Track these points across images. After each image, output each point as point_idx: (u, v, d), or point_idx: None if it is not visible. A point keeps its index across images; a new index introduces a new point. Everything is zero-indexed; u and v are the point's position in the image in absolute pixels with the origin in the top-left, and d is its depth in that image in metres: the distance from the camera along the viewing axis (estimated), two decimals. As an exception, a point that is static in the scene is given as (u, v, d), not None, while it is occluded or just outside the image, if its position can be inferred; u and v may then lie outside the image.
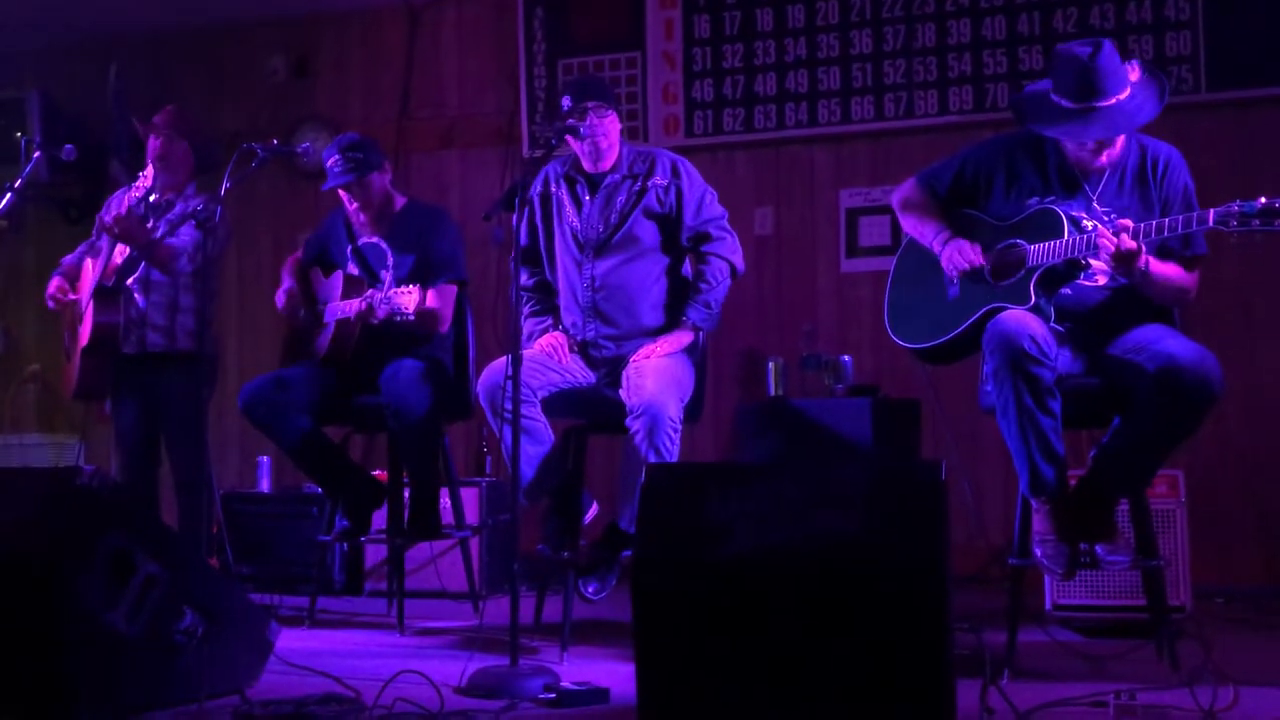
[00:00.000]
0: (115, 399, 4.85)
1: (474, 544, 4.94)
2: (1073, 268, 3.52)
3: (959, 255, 3.62)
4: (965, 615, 3.70)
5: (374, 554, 5.36)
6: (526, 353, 4.06)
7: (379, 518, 4.64)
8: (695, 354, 4.18)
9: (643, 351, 4.07)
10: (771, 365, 5.06)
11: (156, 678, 3.09)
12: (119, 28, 6.76)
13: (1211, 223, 3.26)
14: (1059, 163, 3.61)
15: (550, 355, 4.14)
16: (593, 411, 4.16)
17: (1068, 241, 3.45)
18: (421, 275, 4.48)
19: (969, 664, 3.10)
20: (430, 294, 4.41)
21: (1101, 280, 3.53)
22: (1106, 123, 3.45)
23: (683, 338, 4.14)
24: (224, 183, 4.49)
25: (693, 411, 4.11)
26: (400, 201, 4.70)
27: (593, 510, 4.23)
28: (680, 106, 6.00)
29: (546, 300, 4.37)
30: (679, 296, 4.23)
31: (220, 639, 3.19)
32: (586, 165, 4.25)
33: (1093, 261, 3.49)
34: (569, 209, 4.27)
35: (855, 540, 2.58)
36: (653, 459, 3.78)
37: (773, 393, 5.03)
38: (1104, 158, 3.53)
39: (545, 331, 4.26)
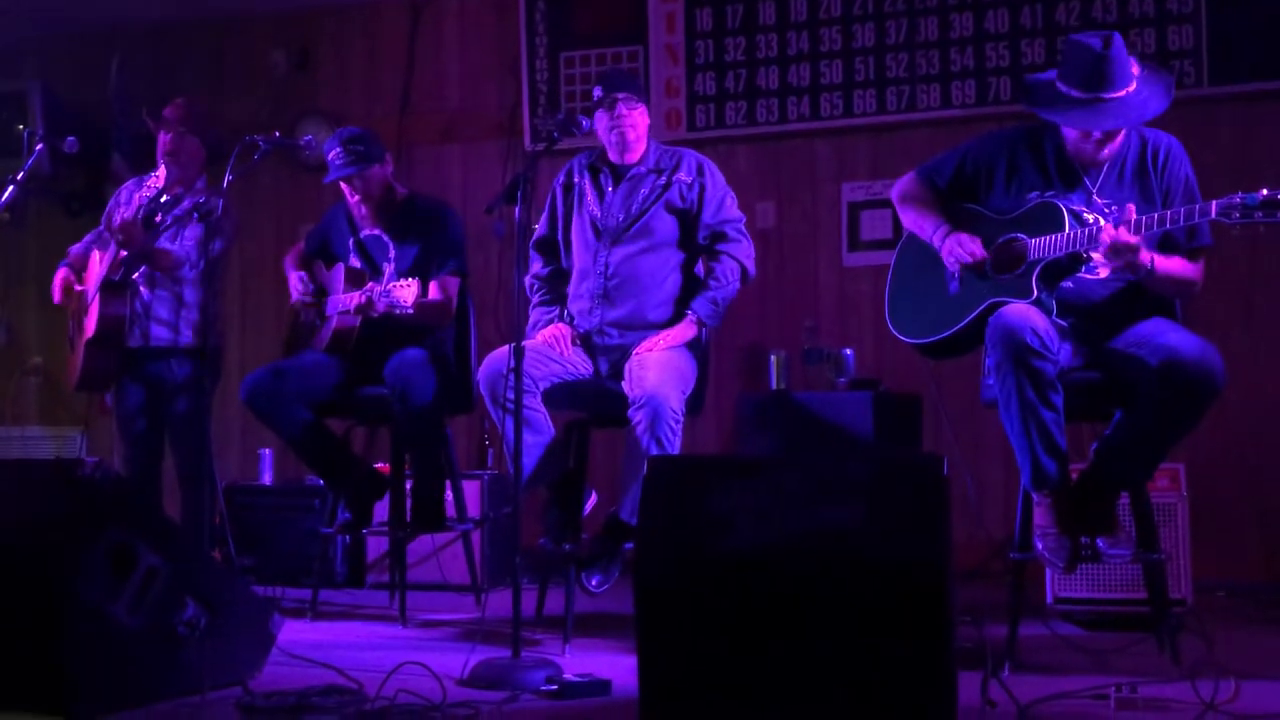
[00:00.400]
0: (119, 391, 4.85)
1: (476, 537, 4.94)
2: (1074, 261, 3.51)
3: (960, 248, 3.62)
4: (966, 608, 3.71)
5: (376, 546, 5.36)
6: (529, 343, 4.06)
7: (381, 510, 4.65)
8: (698, 348, 4.18)
9: (645, 344, 4.08)
10: (773, 359, 5.06)
11: (159, 669, 3.09)
12: (120, 20, 6.75)
13: (1214, 214, 3.26)
14: (1059, 157, 3.61)
15: (552, 346, 4.15)
16: (595, 404, 4.16)
17: (1069, 235, 3.45)
18: (423, 268, 4.49)
19: (970, 657, 3.11)
20: (433, 286, 4.42)
21: (1104, 273, 3.53)
22: (1115, 114, 3.45)
23: (686, 331, 4.14)
24: (226, 175, 4.50)
25: (694, 404, 4.12)
26: (402, 194, 4.70)
27: (592, 500, 4.24)
28: (682, 100, 5.99)
29: (557, 290, 4.38)
30: (689, 294, 4.24)
31: (222, 631, 3.20)
32: (613, 156, 4.28)
33: (1094, 255, 3.48)
34: (590, 197, 4.29)
35: (857, 533, 2.59)
36: (654, 450, 3.79)
37: (774, 386, 5.04)
38: (1105, 151, 3.53)
39: (551, 322, 4.27)
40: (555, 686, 3.19)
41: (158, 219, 4.76)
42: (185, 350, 4.74)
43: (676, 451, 3.89)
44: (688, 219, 4.25)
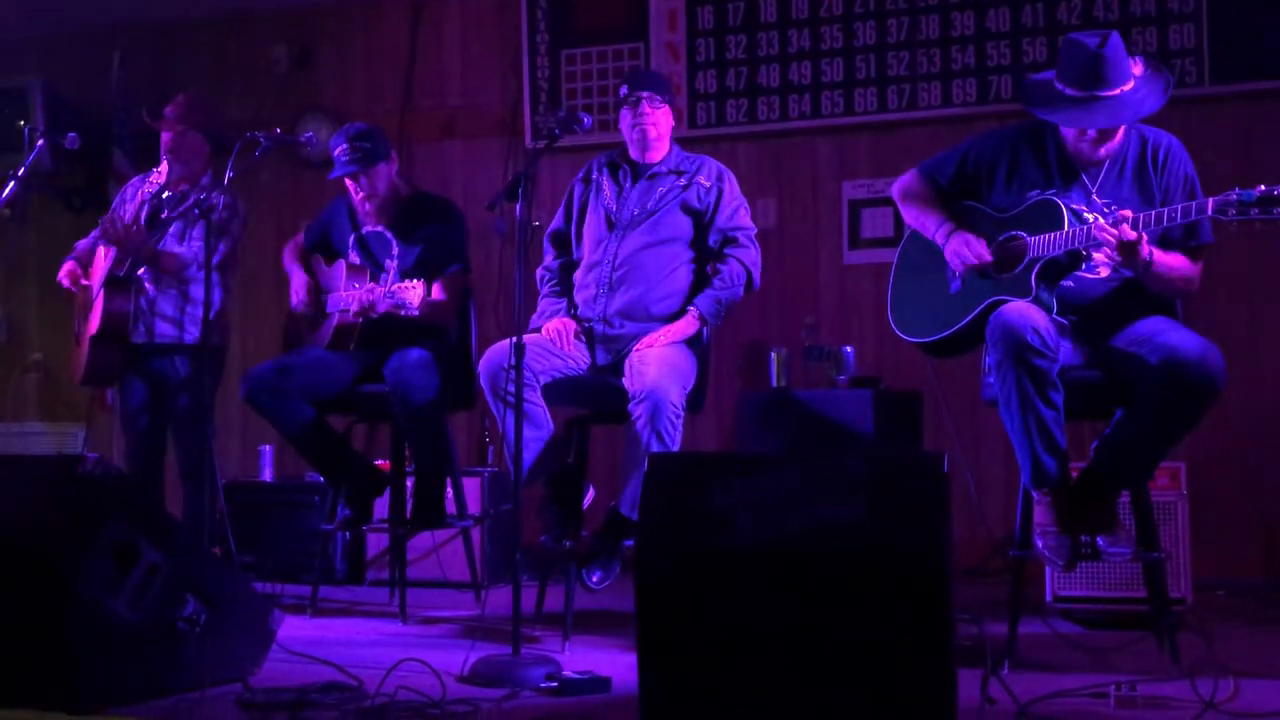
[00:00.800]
0: (123, 387, 4.87)
1: (476, 533, 4.95)
2: (1074, 259, 3.51)
3: (966, 249, 3.61)
4: (966, 606, 3.71)
5: (375, 543, 5.36)
6: (531, 337, 4.07)
7: (381, 507, 4.65)
8: (698, 345, 4.18)
9: (646, 340, 4.09)
10: (774, 356, 5.06)
11: (159, 665, 3.09)
12: (122, 17, 6.75)
13: (1210, 211, 3.26)
14: (1060, 155, 3.61)
15: (554, 341, 4.15)
16: (595, 400, 4.17)
17: (1068, 233, 3.45)
18: (427, 266, 4.49)
19: (970, 654, 3.11)
20: (436, 286, 4.43)
21: (1104, 272, 3.53)
22: (1110, 112, 3.45)
23: (687, 327, 4.15)
24: (227, 172, 4.50)
25: (695, 402, 4.12)
26: (406, 191, 4.70)
27: (590, 495, 4.24)
28: (683, 98, 5.99)
29: (567, 283, 4.41)
30: (694, 292, 4.24)
31: (222, 627, 3.20)
32: (634, 153, 4.31)
33: (1094, 253, 3.49)
34: (608, 191, 4.31)
35: (857, 531, 2.59)
36: (654, 445, 3.80)
37: (775, 384, 5.04)
38: (1103, 150, 3.53)
39: (557, 313, 4.28)
40: (555, 683, 3.20)
41: (163, 215, 4.77)
42: (190, 347, 4.75)
43: (677, 446, 3.90)
44: (701, 222, 4.28)
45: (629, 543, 3.92)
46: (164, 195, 4.85)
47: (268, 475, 5.76)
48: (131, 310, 4.73)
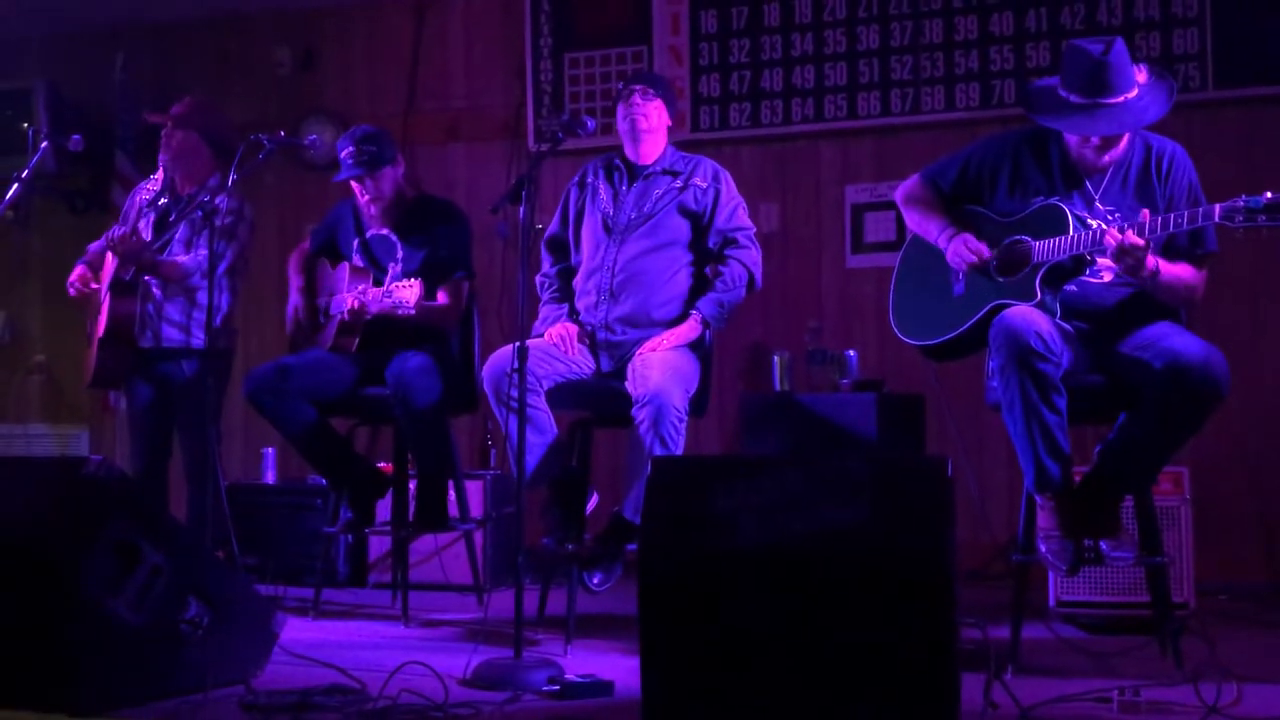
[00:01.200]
0: (130, 390, 4.88)
1: (478, 536, 4.94)
2: (1078, 264, 3.51)
3: (965, 248, 3.62)
4: (969, 610, 3.71)
5: (378, 546, 5.36)
6: (534, 342, 4.07)
7: (383, 509, 4.65)
8: (701, 348, 4.18)
9: (649, 344, 4.08)
10: (777, 360, 5.06)
11: (161, 667, 3.09)
12: (125, 19, 6.76)
13: (1217, 218, 3.26)
14: (1063, 160, 3.61)
15: (558, 345, 4.15)
16: (598, 404, 4.17)
17: (1073, 238, 3.45)
18: (431, 269, 4.49)
19: (973, 659, 3.11)
20: (440, 292, 4.43)
21: (1107, 277, 3.53)
22: (1112, 119, 3.45)
23: (690, 331, 4.15)
24: (231, 175, 4.50)
25: (698, 405, 4.12)
26: (411, 194, 4.70)
27: (593, 501, 4.24)
28: (686, 101, 5.99)
29: (566, 288, 4.40)
30: (695, 296, 4.24)
31: (225, 629, 3.20)
32: (627, 150, 4.30)
33: (1098, 258, 3.48)
34: (604, 195, 4.30)
35: (861, 534, 2.59)
36: (657, 449, 3.79)
37: (778, 387, 5.03)
38: (1106, 157, 3.53)
39: (559, 319, 4.28)
40: (557, 687, 3.20)
41: (171, 218, 4.78)
42: (196, 352, 4.75)
43: (680, 450, 3.89)
44: (699, 224, 4.27)
45: (631, 546, 3.91)
46: (161, 201, 4.85)
47: (270, 477, 5.76)
48: (137, 313, 4.74)
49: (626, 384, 3.98)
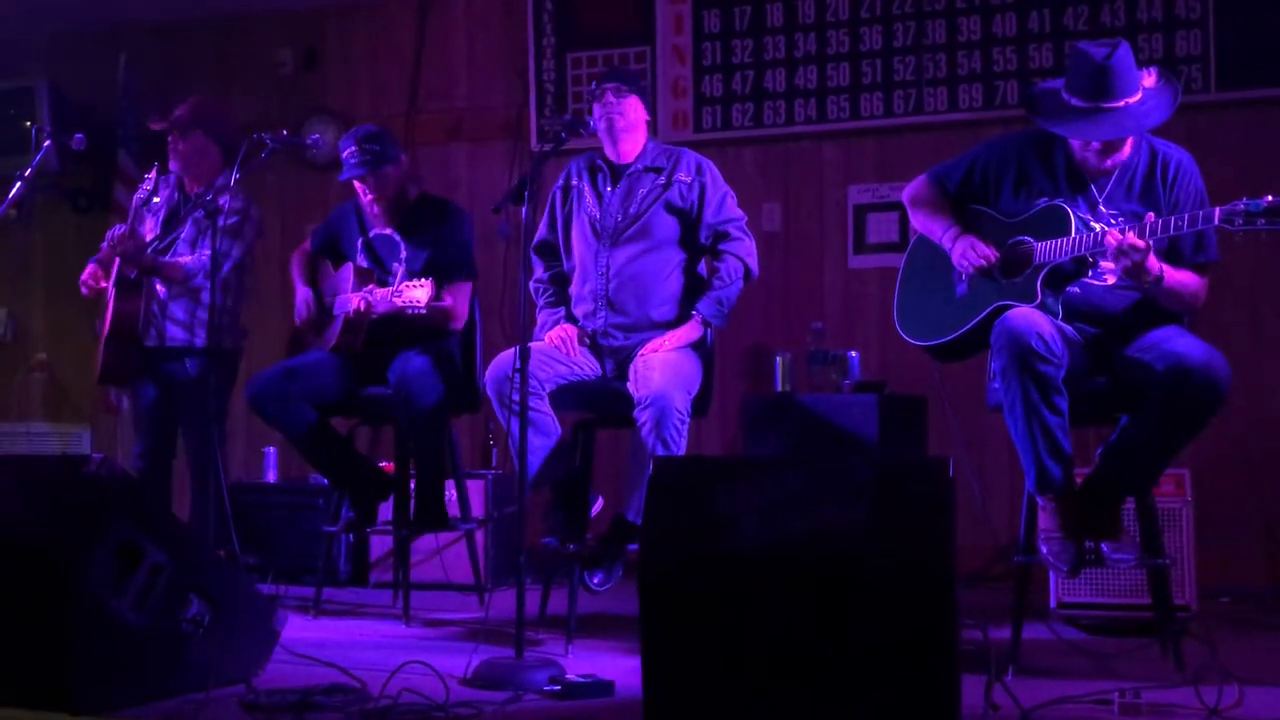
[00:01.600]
0: (134, 388, 4.89)
1: (479, 536, 4.94)
2: (1080, 266, 3.51)
3: (972, 251, 3.62)
4: (971, 611, 3.71)
5: (379, 545, 5.36)
6: (536, 345, 4.07)
7: (385, 509, 4.65)
8: (703, 349, 4.18)
9: (651, 345, 4.08)
10: (779, 361, 5.06)
11: (163, 666, 3.10)
12: (128, 18, 6.76)
13: (1217, 221, 3.25)
14: (1067, 164, 3.61)
15: (559, 348, 4.15)
16: (600, 405, 4.17)
17: (1074, 239, 3.45)
18: (434, 269, 4.49)
19: (974, 660, 3.10)
20: (446, 293, 4.43)
21: (1110, 279, 3.53)
22: (1114, 124, 3.44)
23: (692, 332, 4.14)
24: (233, 174, 4.50)
25: (700, 406, 4.12)
26: (413, 194, 4.70)
27: (598, 505, 4.24)
28: (689, 101, 6.00)
29: (561, 292, 4.39)
30: (692, 293, 4.24)
31: (226, 628, 3.20)
32: (606, 149, 4.28)
33: (1101, 261, 3.48)
34: (589, 199, 4.28)
35: (861, 535, 2.59)
36: (660, 451, 3.79)
37: (780, 388, 5.04)
38: (1109, 161, 3.53)
39: (558, 323, 4.27)
40: (558, 687, 3.20)
41: (181, 214, 4.80)
42: (200, 351, 4.75)
43: (682, 452, 3.89)
44: (688, 219, 4.24)
45: (633, 546, 3.91)
46: (155, 200, 4.86)
47: (272, 477, 5.77)
48: (140, 311, 4.75)
49: (628, 385, 3.98)
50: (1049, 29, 5.54)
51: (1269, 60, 5.24)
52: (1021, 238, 3.58)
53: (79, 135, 4.73)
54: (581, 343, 4.21)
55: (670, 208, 4.22)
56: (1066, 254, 3.46)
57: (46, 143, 4.93)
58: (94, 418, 6.76)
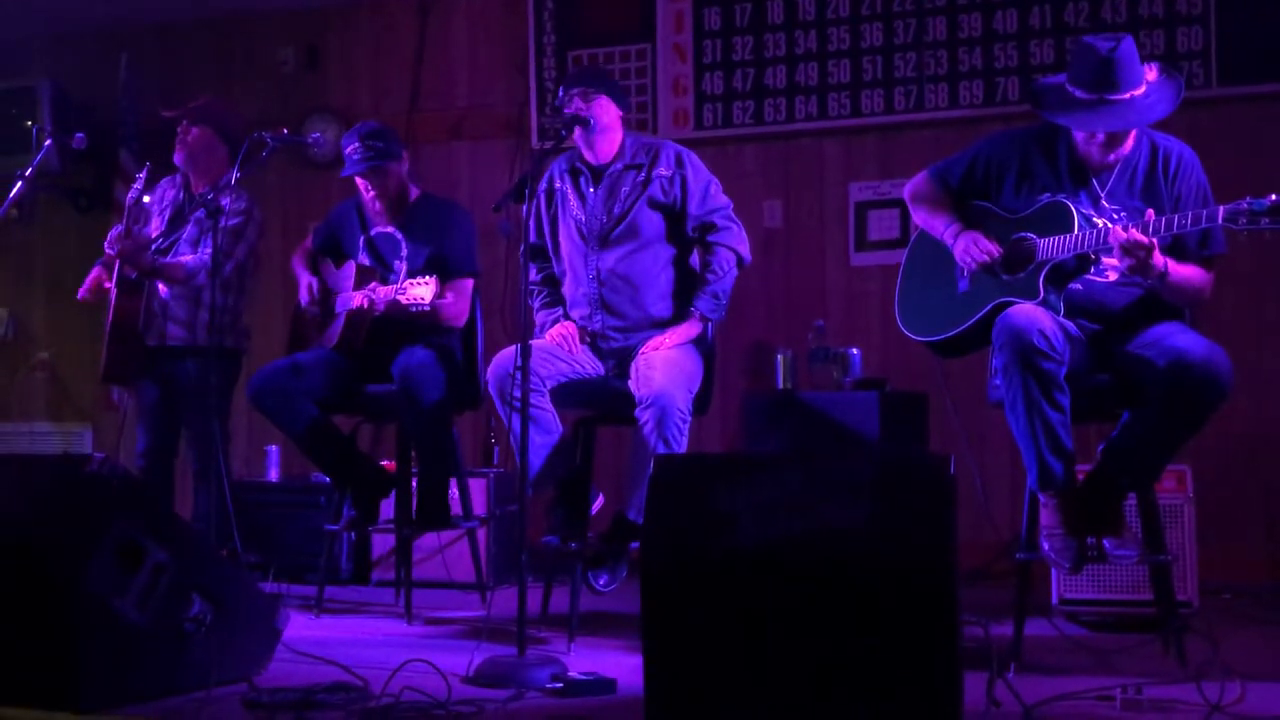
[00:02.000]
0: (138, 387, 4.90)
1: (481, 534, 4.95)
2: (1082, 262, 3.51)
3: (975, 247, 3.61)
4: (972, 608, 3.70)
5: (381, 543, 5.37)
6: (537, 343, 4.07)
7: (386, 507, 4.65)
8: (703, 345, 4.18)
9: (651, 343, 4.08)
10: (780, 358, 5.06)
11: (165, 665, 3.10)
12: (129, 17, 6.76)
13: (1221, 220, 3.26)
14: (1070, 158, 3.61)
15: (560, 345, 4.15)
16: (601, 403, 4.16)
17: (1077, 236, 3.45)
18: (435, 267, 4.48)
19: (976, 657, 3.11)
20: (448, 291, 4.43)
21: (1112, 276, 3.52)
22: (1117, 115, 3.44)
23: (691, 329, 4.14)
24: (235, 172, 4.50)
25: (701, 403, 4.12)
26: (415, 193, 4.70)
27: (599, 502, 4.24)
28: (690, 99, 5.99)
29: (556, 293, 4.38)
30: (686, 287, 4.23)
31: (228, 627, 3.20)
32: (585, 153, 4.24)
33: (1104, 257, 3.48)
34: (573, 202, 4.26)
35: (863, 532, 2.59)
36: (661, 450, 3.79)
37: (781, 385, 5.04)
38: (1113, 154, 3.53)
39: (556, 322, 4.27)
40: (560, 685, 3.20)
41: (186, 214, 4.81)
42: (202, 349, 4.75)
43: (684, 450, 3.89)
44: (672, 213, 4.21)
45: (635, 545, 3.91)
46: (146, 199, 4.87)
47: (274, 475, 5.77)
48: (141, 310, 4.75)
49: (630, 384, 3.98)
50: (1050, 25, 5.54)
51: (1270, 55, 5.24)
52: (1024, 234, 3.58)
53: (80, 135, 4.73)
54: (583, 341, 4.21)
55: (653, 203, 4.19)
56: (1069, 251, 3.46)
57: (47, 142, 4.94)
58: (96, 417, 6.77)
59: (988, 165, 3.73)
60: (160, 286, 4.79)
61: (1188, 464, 4.16)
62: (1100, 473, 3.49)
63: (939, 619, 2.52)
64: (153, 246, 4.79)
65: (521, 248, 3.83)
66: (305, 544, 5.24)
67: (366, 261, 4.63)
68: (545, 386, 4.01)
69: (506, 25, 6.38)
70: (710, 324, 4.20)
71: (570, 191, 4.27)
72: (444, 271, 4.47)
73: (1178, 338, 3.36)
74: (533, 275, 4.41)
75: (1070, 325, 3.49)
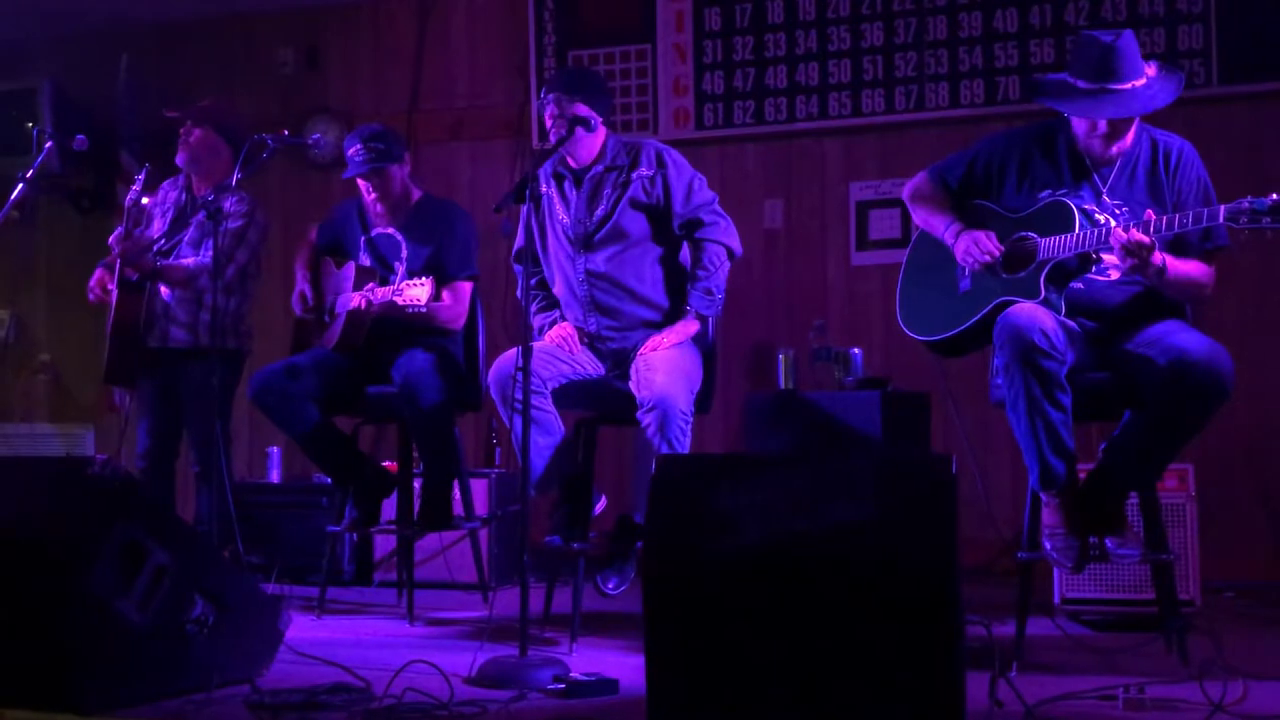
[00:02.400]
0: (140, 389, 4.90)
1: (483, 535, 4.95)
2: (1084, 262, 3.51)
3: (976, 247, 3.60)
4: (974, 608, 3.69)
5: (383, 544, 5.37)
6: (538, 344, 4.06)
7: (388, 508, 4.65)
8: (703, 343, 4.17)
9: (650, 343, 4.07)
10: (781, 358, 5.06)
11: (167, 666, 3.10)
12: (130, 18, 6.77)
13: (1222, 219, 3.26)
14: (1071, 154, 3.61)
15: (561, 346, 4.14)
16: (602, 403, 4.16)
17: (1078, 235, 3.45)
18: (435, 269, 4.48)
19: (978, 656, 3.10)
20: (446, 293, 4.42)
21: (1114, 275, 3.52)
22: (1121, 104, 3.45)
23: (688, 327, 4.13)
24: (235, 174, 4.50)
25: (702, 402, 4.11)
26: (416, 194, 4.69)
27: (601, 503, 4.23)
28: (690, 99, 5.99)
29: (550, 296, 4.37)
30: (677, 284, 4.22)
31: (231, 628, 3.20)
32: (568, 156, 4.23)
33: (1104, 256, 3.48)
34: (559, 206, 4.26)
35: (865, 532, 2.58)
36: (665, 452, 3.78)
37: (783, 385, 5.03)
38: (1114, 148, 3.53)
39: (554, 324, 4.26)
40: (563, 685, 3.20)
41: (188, 216, 4.81)
42: (204, 351, 4.75)
43: (688, 451, 3.89)
44: (656, 214, 4.18)
45: (640, 546, 3.91)
46: (144, 199, 4.87)
47: (275, 476, 5.77)
48: (142, 311, 4.76)
49: (630, 385, 3.97)
50: (1050, 24, 5.54)
51: (1270, 54, 5.24)
52: (1025, 233, 3.57)
53: (81, 136, 4.73)
54: (582, 341, 4.21)
55: (635, 204, 4.17)
56: (1070, 250, 3.46)
57: (48, 144, 4.94)
58: (97, 419, 6.76)
59: (988, 165, 3.73)
60: (162, 288, 4.80)
61: (1190, 463, 4.16)
62: (1102, 472, 3.48)
63: (941, 619, 2.52)
64: (154, 248, 4.80)
65: (513, 249, 3.82)
66: (307, 545, 5.24)
67: (367, 262, 4.63)
68: (547, 388, 4.00)
69: (506, 25, 6.38)
70: (708, 321, 4.19)
71: (556, 196, 4.27)
72: (442, 274, 4.47)
73: (1179, 336, 3.36)
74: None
75: (1071, 324, 3.48)
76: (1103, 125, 3.49)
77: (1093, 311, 3.54)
